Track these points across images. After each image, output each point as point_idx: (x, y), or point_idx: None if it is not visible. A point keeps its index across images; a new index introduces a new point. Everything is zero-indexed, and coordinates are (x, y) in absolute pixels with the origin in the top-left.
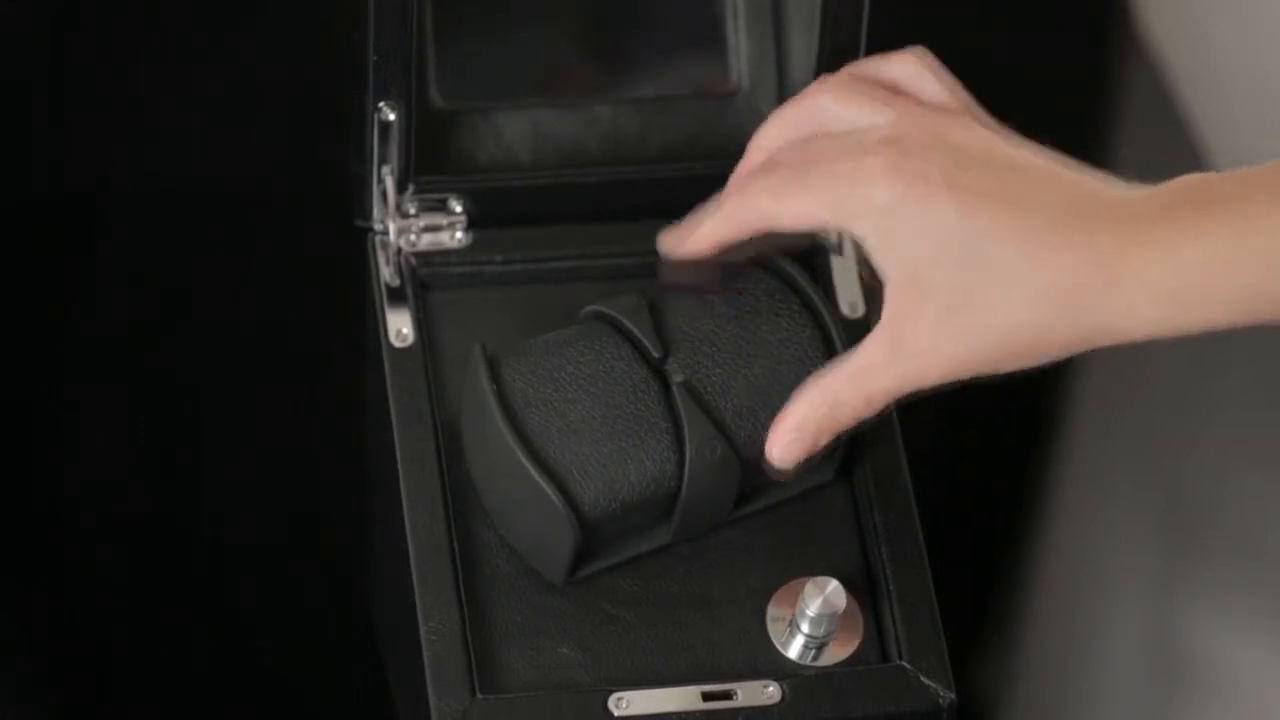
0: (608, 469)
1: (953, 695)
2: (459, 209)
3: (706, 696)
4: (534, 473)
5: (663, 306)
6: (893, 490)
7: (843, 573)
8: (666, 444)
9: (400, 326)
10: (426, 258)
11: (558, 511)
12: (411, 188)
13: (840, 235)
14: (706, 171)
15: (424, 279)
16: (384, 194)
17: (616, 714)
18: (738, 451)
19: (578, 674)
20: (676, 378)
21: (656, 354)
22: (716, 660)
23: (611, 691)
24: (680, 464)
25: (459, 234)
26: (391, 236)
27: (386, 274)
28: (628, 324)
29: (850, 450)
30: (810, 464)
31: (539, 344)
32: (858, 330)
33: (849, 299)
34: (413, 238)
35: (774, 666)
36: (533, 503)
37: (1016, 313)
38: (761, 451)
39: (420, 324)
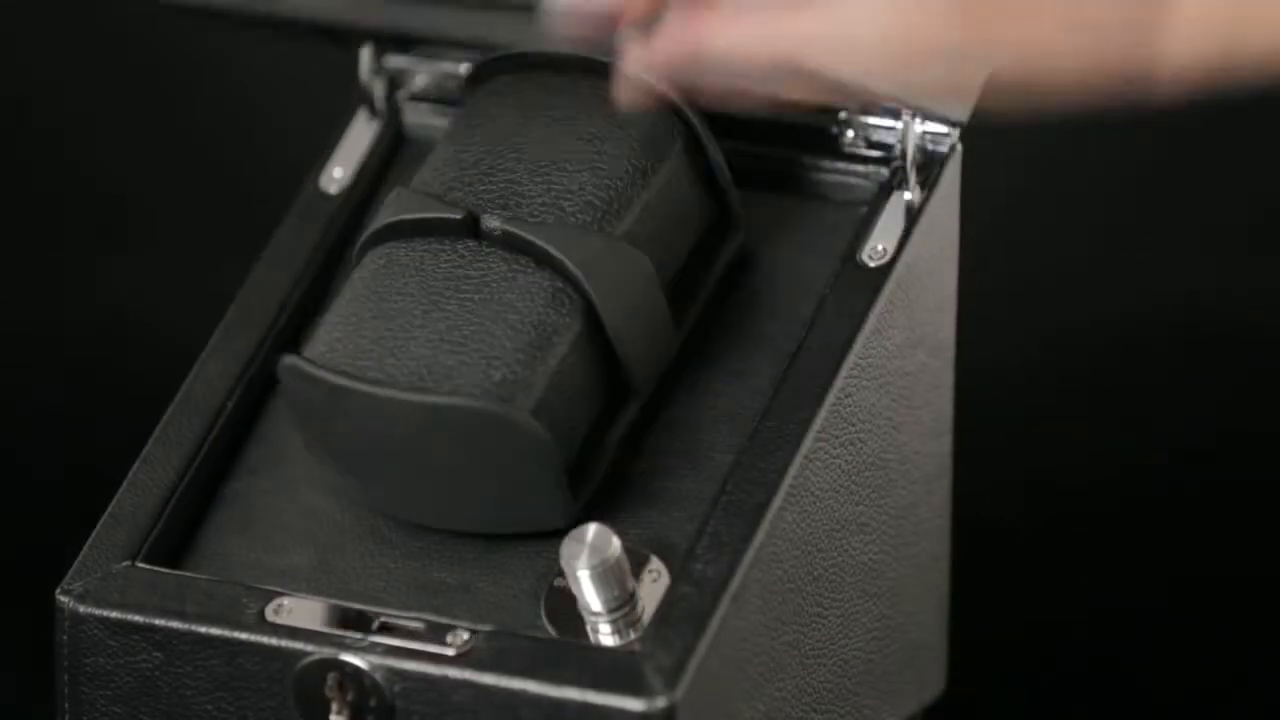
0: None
1: (673, 695)
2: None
3: (382, 628)
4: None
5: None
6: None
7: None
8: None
9: (339, 166)
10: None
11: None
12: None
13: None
14: None
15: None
16: None
17: (269, 619)
18: None
19: (279, 579)
20: (491, 224)
21: (460, 217)
22: (467, 610)
23: (279, 596)
24: None
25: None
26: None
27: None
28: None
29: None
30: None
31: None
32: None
33: (882, 244)
34: (421, 79)
35: (517, 624)
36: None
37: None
38: None
39: (368, 168)
